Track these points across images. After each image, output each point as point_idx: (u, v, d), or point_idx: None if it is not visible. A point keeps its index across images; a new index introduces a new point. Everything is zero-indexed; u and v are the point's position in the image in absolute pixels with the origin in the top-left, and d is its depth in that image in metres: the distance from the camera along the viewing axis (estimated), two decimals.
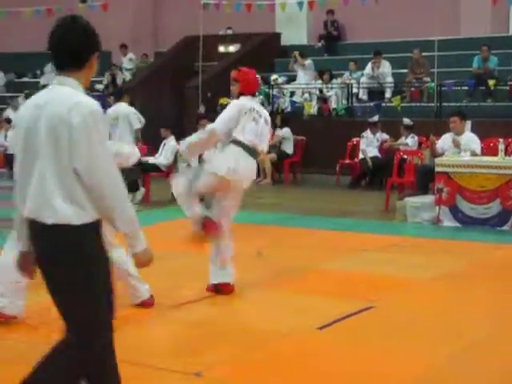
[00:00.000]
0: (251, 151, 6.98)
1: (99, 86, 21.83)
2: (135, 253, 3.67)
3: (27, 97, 22.62)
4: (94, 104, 3.54)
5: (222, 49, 22.62)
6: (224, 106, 19.12)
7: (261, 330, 6.04)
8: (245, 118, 6.98)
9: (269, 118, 7.33)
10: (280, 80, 19.84)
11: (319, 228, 10.77)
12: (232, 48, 22.57)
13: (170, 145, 14.07)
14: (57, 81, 3.64)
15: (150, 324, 6.23)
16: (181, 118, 19.13)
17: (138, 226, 3.64)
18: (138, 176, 12.98)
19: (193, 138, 7.26)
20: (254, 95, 7.38)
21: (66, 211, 3.48)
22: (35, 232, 3.57)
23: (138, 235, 3.64)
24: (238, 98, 7.25)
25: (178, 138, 14.60)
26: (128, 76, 22.53)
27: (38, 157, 3.52)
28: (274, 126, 17.35)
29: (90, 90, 4.42)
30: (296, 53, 20.03)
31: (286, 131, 17.14)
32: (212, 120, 7.78)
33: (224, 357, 5.42)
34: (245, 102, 7.12)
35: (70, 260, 3.53)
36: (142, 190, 13.54)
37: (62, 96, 3.54)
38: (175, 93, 20.68)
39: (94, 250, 3.59)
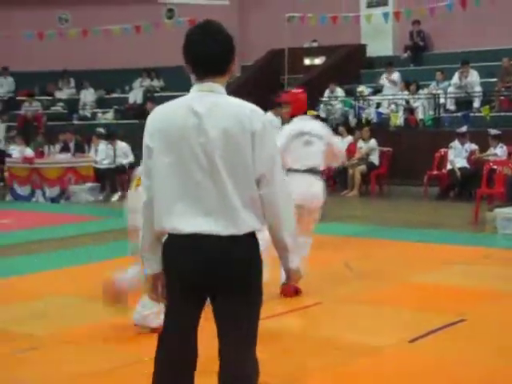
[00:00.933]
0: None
1: None
2: (290, 268, 3.57)
3: (117, 112, 23.23)
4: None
5: (307, 61, 22.70)
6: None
7: (351, 342, 6.02)
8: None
9: (323, 132, 7.40)
10: (366, 91, 19.78)
11: (407, 240, 10.67)
12: (317, 60, 22.62)
13: None
14: (203, 87, 3.47)
15: None
16: None
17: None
18: None
19: None
20: (305, 114, 7.46)
21: (249, 219, 3.37)
22: (214, 246, 3.35)
23: (295, 250, 3.54)
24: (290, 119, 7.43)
25: None
26: None
27: (208, 166, 3.35)
28: (360, 138, 17.35)
29: None
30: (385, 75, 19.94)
31: (372, 142, 17.08)
32: None
33: (314, 370, 5.42)
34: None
35: (259, 268, 3.47)
36: None
37: (228, 104, 3.44)
38: (262, 106, 20.74)
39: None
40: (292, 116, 7.48)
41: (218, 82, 3.48)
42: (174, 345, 3.51)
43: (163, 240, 3.50)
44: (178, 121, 3.41)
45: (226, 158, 3.35)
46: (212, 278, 3.40)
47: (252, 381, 3.51)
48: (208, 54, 3.44)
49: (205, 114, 3.38)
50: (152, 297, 3.64)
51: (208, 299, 3.51)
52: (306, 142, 7.28)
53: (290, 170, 7.00)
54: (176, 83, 20.51)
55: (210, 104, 3.40)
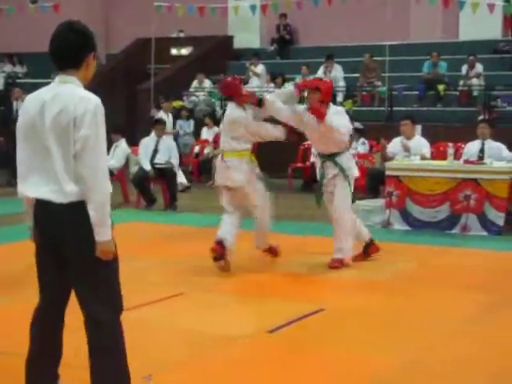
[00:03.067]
0: None
1: None
2: (98, 241, 3.91)
3: None
4: (96, 99, 3.93)
5: (174, 51, 22.61)
6: (177, 109, 19.12)
7: (211, 333, 6.03)
8: None
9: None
10: None
11: (271, 231, 10.76)
12: (184, 51, 22.57)
13: (121, 147, 14.04)
14: (60, 79, 4.03)
15: None
16: (133, 121, 19.05)
17: (108, 216, 3.92)
18: None
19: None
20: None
21: (75, 190, 3.89)
22: (52, 211, 3.93)
23: (104, 223, 3.91)
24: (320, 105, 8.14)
25: (129, 141, 14.55)
26: None
27: (46, 146, 3.92)
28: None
29: None
30: (250, 65, 20.03)
31: None
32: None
33: (174, 360, 5.41)
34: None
35: (89, 232, 3.91)
36: None
37: (67, 92, 3.94)
38: (127, 95, 20.58)
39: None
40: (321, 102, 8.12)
41: (73, 75, 4.02)
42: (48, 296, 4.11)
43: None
44: (31, 107, 4.02)
45: (56, 138, 3.91)
46: (53, 238, 3.98)
47: (121, 336, 4.07)
48: (62, 49, 3.99)
49: (48, 101, 3.95)
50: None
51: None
52: None
53: None
54: (40, 70, 19.99)
55: (56, 93, 3.97)
